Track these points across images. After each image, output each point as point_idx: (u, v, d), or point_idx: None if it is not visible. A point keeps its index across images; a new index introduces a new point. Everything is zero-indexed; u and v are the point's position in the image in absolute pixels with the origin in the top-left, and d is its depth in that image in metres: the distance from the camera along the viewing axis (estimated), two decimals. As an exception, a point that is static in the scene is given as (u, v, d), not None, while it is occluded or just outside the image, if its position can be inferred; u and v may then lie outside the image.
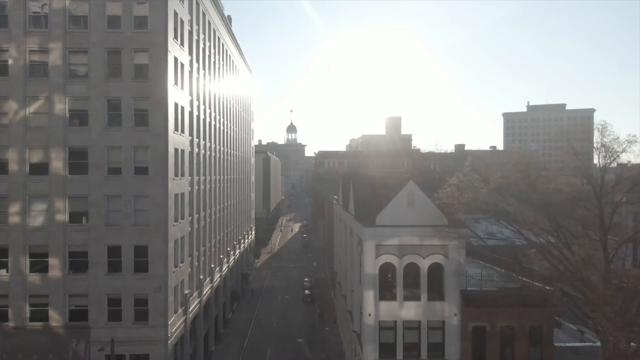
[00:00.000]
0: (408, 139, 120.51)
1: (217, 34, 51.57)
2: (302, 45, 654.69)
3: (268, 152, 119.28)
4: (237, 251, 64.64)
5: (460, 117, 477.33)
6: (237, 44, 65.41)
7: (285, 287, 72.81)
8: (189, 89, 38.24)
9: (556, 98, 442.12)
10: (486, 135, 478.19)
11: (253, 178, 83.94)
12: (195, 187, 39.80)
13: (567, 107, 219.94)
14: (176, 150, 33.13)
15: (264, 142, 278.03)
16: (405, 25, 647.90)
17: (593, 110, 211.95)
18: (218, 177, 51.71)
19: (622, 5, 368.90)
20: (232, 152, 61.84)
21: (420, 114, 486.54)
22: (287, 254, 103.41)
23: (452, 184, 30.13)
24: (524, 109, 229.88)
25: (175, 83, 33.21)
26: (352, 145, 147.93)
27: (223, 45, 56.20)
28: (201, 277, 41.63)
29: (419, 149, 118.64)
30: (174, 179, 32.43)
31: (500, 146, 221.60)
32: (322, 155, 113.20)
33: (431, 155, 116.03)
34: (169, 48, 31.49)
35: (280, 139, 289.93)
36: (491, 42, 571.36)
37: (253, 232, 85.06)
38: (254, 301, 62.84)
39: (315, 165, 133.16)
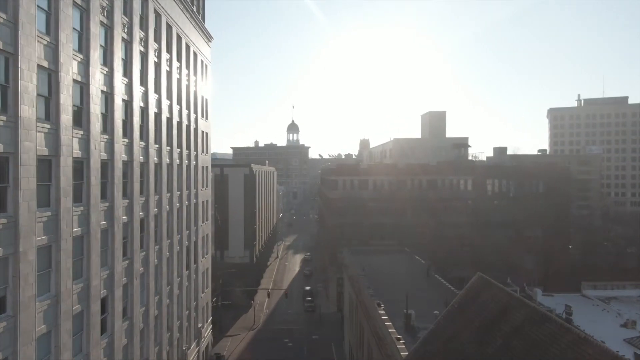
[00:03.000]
0: (462, 144, 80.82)
1: None
2: (304, 44, 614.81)
3: (253, 166, 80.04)
4: None
5: (471, 118, 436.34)
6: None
7: None
8: None
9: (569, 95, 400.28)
10: (497, 135, 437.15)
11: (208, 230, 45.07)
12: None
13: (630, 102, 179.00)
14: None
15: (261, 144, 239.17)
16: (411, 23, 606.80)
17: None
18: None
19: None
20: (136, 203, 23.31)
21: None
22: (278, 332, 64.11)
23: None
24: (574, 104, 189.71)
25: None
26: (372, 151, 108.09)
27: None
28: None
29: (482, 160, 79.09)
30: None
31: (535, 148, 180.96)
32: (334, 172, 73.73)
33: (499, 171, 76.22)
34: None
35: (281, 140, 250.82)
36: (502, 40, 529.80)
37: (208, 332, 45.86)
38: None
39: (323, 185, 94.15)
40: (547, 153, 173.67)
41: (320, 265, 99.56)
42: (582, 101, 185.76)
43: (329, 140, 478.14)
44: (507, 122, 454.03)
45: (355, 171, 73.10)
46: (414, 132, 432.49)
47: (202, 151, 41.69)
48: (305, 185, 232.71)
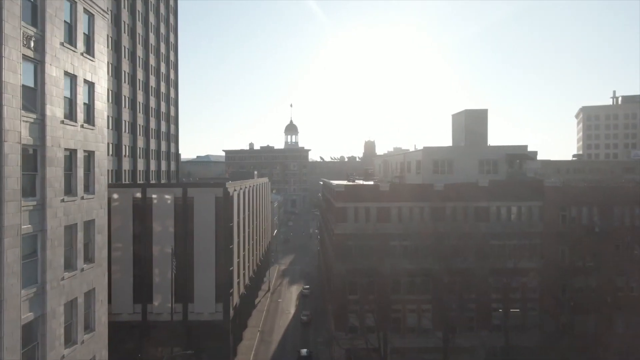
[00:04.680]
0: (520, 153, 59.34)
1: None
2: (304, 44, 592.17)
3: (229, 184, 58.57)
4: None
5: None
6: None
7: None
8: None
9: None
10: (503, 138, 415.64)
11: (100, 346, 23.15)
12: None
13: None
14: None
15: (256, 147, 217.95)
16: (410, 22, 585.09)
17: None
18: None
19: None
20: None
21: (431, 116, 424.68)
22: None
23: None
24: (608, 102, 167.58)
25: None
26: (388, 161, 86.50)
27: None
28: None
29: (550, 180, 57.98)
30: None
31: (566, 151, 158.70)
32: (342, 196, 52.00)
33: (577, 195, 54.51)
34: None
35: (279, 143, 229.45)
36: (505, 40, 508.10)
37: None
38: None
39: (325, 204, 73.60)
40: (573, 157, 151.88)
41: (320, 303, 78.23)
42: (619, 99, 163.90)
43: (330, 142, 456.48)
44: (511, 123, 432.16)
45: (373, 195, 51.28)
46: (422, 133, 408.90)
47: (87, 190, 19.97)
48: (305, 192, 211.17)
